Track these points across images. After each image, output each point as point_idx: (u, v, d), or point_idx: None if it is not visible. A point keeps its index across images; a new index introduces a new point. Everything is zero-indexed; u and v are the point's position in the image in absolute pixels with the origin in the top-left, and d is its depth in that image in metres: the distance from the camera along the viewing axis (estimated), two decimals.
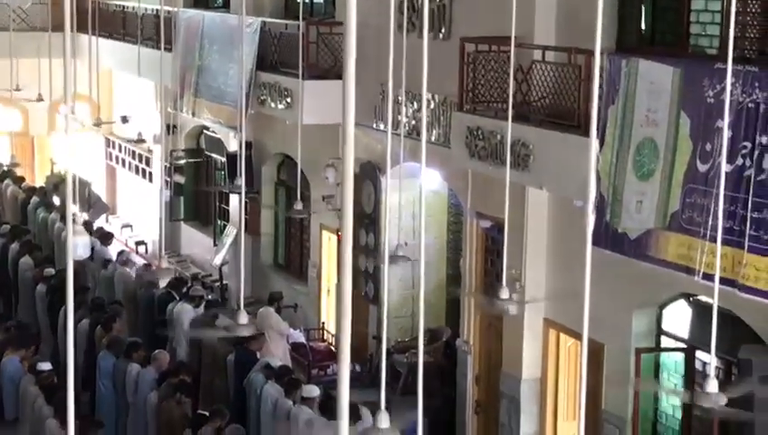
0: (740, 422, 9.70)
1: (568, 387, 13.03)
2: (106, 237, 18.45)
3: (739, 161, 9.34)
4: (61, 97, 22.69)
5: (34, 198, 20.80)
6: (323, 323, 17.21)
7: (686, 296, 11.36)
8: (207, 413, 11.76)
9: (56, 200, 20.77)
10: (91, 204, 22.82)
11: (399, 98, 12.78)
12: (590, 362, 12.46)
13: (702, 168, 9.75)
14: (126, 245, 21.86)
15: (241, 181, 10.33)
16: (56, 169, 24.94)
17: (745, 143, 9.28)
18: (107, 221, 23.58)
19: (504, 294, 9.95)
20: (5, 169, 22.82)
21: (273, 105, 16.64)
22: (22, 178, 22.58)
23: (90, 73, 18.82)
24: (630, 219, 10.45)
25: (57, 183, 22.95)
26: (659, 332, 11.86)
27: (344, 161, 3.20)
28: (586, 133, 10.33)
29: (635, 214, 10.47)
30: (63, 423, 10.90)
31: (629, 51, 11.21)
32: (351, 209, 3.55)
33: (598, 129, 10.59)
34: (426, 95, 6.50)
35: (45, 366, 13.02)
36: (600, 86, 10.73)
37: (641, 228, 10.40)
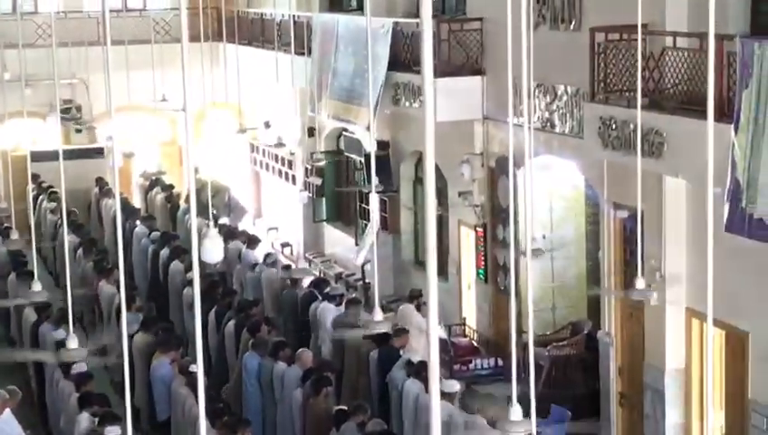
0: None
1: (714, 377, 12.81)
2: (253, 241, 18.87)
3: None
4: (203, 106, 23.37)
5: (182, 205, 21.41)
6: (464, 318, 17.28)
7: None
8: (348, 409, 11.91)
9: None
10: (231, 209, 23.38)
11: (532, 91, 12.76)
12: (735, 350, 12.23)
13: None
14: (272, 247, 22.32)
15: (373, 180, 10.51)
16: (199, 175, 25.58)
17: None
18: (253, 224, 24.11)
19: (642, 284, 9.90)
20: (154, 177, 23.56)
21: (407, 104, 16.80)
22: (171, 186, 23.26)
23: (227, 81, 19.22)
24: (766, 204, 10.22)
25: (199, 189, 23.56)
26: None
27: (425, 157, 3.30)
28: (721, 119, 10.16)
29: None
30: (213, 424, 11.21)
31: (763, 33, 10.96)
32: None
33: (729, 113, 10.40)
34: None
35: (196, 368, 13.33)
36: (734, 70, 10.55)
37: None
